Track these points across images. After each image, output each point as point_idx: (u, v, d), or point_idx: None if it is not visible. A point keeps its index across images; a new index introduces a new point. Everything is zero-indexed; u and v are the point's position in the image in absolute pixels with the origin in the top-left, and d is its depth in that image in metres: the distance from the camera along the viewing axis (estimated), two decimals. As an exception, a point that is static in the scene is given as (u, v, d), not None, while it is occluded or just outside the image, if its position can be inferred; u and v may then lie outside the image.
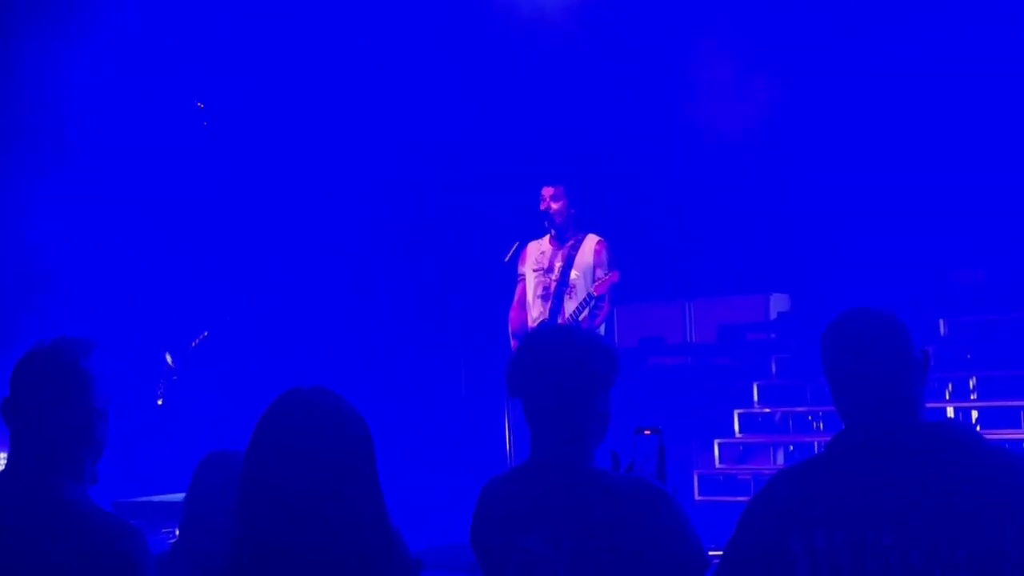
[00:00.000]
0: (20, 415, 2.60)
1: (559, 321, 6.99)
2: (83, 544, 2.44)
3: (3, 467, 2.60)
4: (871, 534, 2.45)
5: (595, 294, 6.87)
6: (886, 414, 2.56)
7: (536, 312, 7.13)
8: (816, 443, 8.44)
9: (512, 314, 7.28)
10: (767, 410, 8.95)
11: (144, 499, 6.83)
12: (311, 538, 2.19)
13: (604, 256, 7.05)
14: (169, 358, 8.03)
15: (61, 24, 9.31)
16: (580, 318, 6.93)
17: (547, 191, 7.14)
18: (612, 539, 2.57)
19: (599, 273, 6.98)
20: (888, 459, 2.51)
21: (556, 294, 7.07)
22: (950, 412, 7.94)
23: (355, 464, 2.25)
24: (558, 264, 7.09)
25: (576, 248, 7.09)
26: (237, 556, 2.23)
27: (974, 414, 8.11)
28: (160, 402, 8.01)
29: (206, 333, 8.18)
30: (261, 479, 2.23)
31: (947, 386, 8.24)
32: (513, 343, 7.20)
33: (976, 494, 2.42)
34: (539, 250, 7.21)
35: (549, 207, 7.10)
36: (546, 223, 7.14)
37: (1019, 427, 7.79)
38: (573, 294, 7.02)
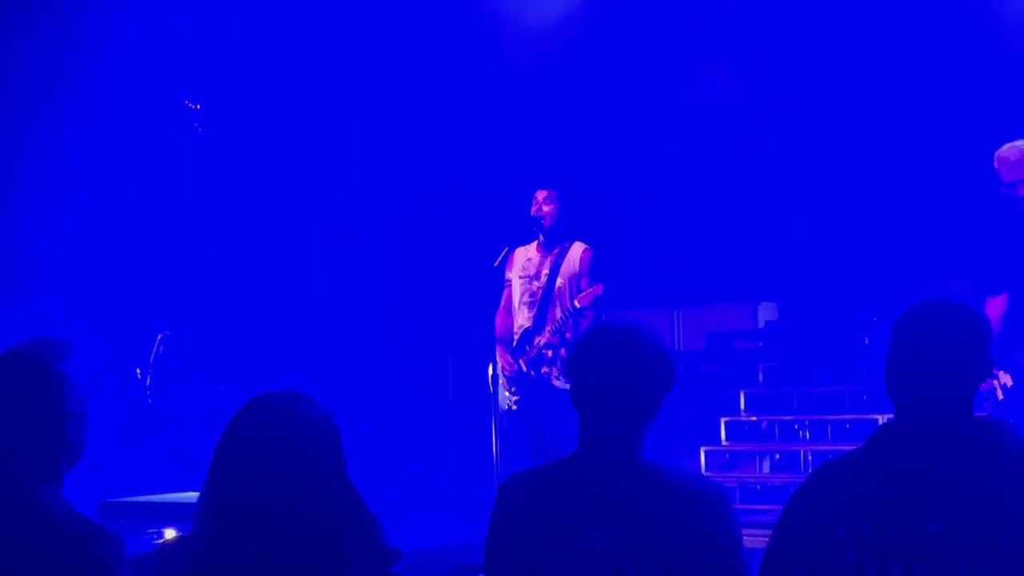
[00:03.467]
0: None
1: (544, 329, 7.00)
2: (56, 547, 2.43)
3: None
4: (917, 522, 2.47)
5: (578, 306, 6.88)
6: (940, 410, 2.58)
7: (521, 319, 7.12)
8: (802, 451, 8.46)
9: (498, 319, 7.29)
10: (754, 418, 8.96)
11: (131, 499, 6.83)
12: (283, 538, 2.18)
13: (589, 265, 7.04)
14: (139, 372, 8.03)
15: (53, 19, 9.30)
16: (564, 327, 6.93)
17: (540, 195, 7.13)
18: (671, 539, 2.57)
19: (584, 282, 6.98)
20: (935, 451, 2.54)
21: (541, 301, 7.06)
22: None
23: (324, 464, 2.25)
24: (544, 271, 7.08)
25: (562, 256, 7.09)
26: (207, 561, 2.23)
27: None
28: (147, 381, 7.99)
29: (165, 333, 8.14)
30: (230, 482, 2.23)
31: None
32: (498, 348, 7.19)
33: (1021, 489, 2.46)
34: (526, 256, 7.21)
35: (540, 210, 7.10)
36: (535, 228, 7.13)
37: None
38: (558, 302, 7.02)
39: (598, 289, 6.86)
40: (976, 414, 2.62)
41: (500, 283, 7.30)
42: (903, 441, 2.60)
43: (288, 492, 2.19)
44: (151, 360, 8.13)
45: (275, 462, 2.21)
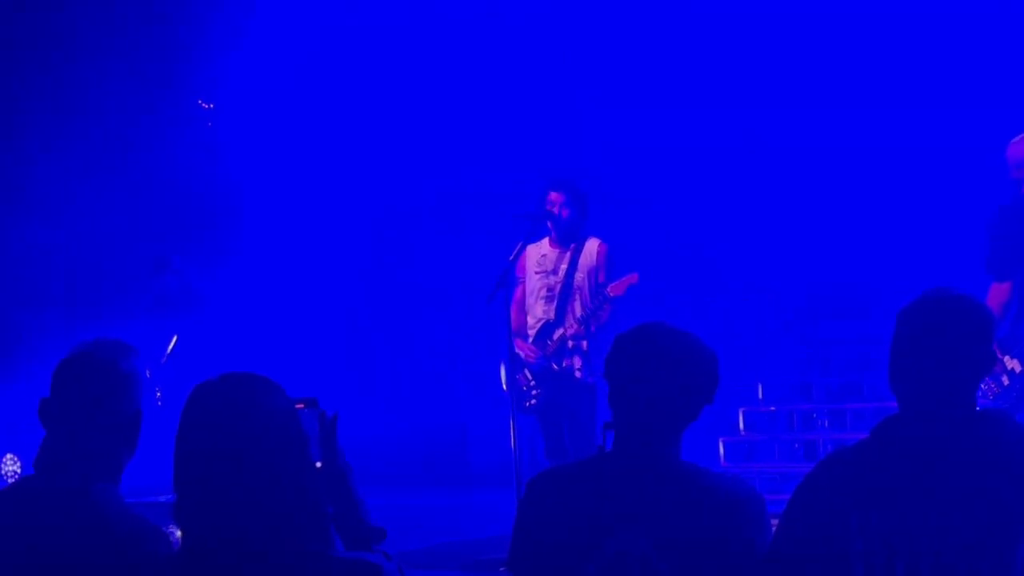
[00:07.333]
0: (59, 416, 2.63)
1: (567, 321, 6.98)
2: (106, 543, 2.47)
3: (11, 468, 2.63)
4: (921, 516, 2.47)
5: (612, 294, 6.84)
6: (943, 403, 2.57)
7: (540, 313, 7.11)
8: (820, 441, 8.44)
9: (512, 316, 7.25)
10: (772, 408, 8.95)
11: (151, 500, 6.84)
12: (244, 535, 2.17)
13: (606, 258, 7.04)
14: (148, 373, 8.07)
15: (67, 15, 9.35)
16: (589, 319, 6.92)
17: (555, 196, 7.10)
18: (707, 544, 2.55)
19: (602, 276, 6.98)
20: (938, 444, 2.53)
21: (560, 295, 7.05)
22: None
23: (272, 449, 2.21)
24: (563, 266, 7.07)
25: (579, 251, 7.08)
26: (181, 554, 2.24)
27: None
28: (158, 395, 8.04)
29: (176, 338, 8.22)
30: (189, 476, 2.22)
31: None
32: (516, 341, 7.17)
33: (1019, 483, 2.45)
34: (539, 252, 7.19)
35: (557, 212, 7.06)
36: (550, 224, 7.11)
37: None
38: (578, 295, 7.02)
39: (633, 278, 6.84)
40: (980, 406, 2.60)
41: (511, 280, 7.26)
42: (907, 434, 2.58)
43: (234, 484, 2.17)
44: (164, 360, 8.15)
45: (219, 455, 2.19)
